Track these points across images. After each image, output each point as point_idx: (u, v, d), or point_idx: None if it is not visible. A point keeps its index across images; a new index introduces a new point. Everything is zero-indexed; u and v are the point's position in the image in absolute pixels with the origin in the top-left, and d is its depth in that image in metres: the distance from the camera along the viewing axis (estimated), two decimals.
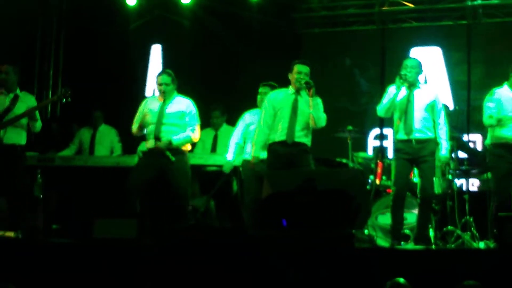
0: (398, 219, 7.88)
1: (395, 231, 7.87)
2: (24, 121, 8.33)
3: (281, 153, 7.94)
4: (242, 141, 8.64)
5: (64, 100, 8.56)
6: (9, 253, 7.03)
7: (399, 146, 7.93)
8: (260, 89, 8.57)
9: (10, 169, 8.19)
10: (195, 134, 8.39)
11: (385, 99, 7.95)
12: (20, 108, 8.31)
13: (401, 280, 5.36)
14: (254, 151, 8.06)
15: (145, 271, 6.53)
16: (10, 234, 8.03)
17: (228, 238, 7.16)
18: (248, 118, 8.68)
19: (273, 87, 8.44)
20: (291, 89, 8.09)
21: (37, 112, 8.44)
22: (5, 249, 7.15)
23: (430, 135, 7.93)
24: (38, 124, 8.43)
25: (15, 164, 8.24)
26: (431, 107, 7.94)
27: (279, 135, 7.98)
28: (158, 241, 7.05)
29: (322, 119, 7.95)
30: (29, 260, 6.91)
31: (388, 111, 7.93)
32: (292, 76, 8.06)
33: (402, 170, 7.92)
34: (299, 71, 8.02)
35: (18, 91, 8.46)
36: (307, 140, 8.01)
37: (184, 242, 6.70)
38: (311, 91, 7.86)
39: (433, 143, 7.96)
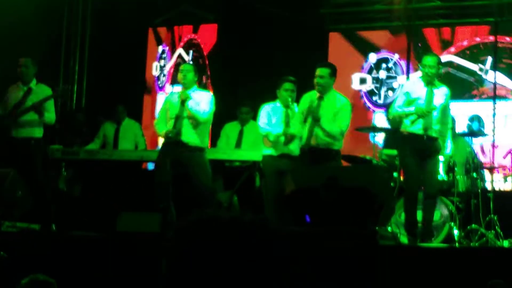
0: (412, 219, 7.85)
1: (411, 230, 7.84)
2: (35, 115, 8.36)
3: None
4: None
5: (59, 99, 8.57)
6: (33, 246, 7.07)
7: (408, 139, 7.89)
8: (287, 85, 8.45)
9: (26, 163, 8.22)
10: (207, 115, 8.30)
11: (400, 103, 7.91)
12: (31, 101, 8.35)
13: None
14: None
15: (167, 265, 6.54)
16: (35, 226, 8.08)
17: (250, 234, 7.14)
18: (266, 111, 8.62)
19: (294, 82, 8.43)
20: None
21: (48, 104, 8.43)
22: (29, 241, 7.19)
23: (437, 135, 7.95)
24: (48, 117, 8.39)
25: (30, 158, 8.26)
26: (444, 108, 7.92)
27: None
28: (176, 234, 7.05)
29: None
30: (52, 253, 6.95)
31: (398, 121, 7.96)
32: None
33: (413, 168, 7.90)
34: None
35: (33, 83, 8.48)
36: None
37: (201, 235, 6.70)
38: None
39: (438, 142, 7.96)
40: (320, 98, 8.02)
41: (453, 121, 9.01)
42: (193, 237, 1.98)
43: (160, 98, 11.93)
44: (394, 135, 8.24)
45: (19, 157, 8.24)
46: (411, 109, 7.84)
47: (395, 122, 8.22)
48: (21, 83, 8.48)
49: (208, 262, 1.95)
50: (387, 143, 9.01)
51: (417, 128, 7.84)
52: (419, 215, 8.09)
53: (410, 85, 8.03)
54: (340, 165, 8.16)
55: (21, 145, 8.27)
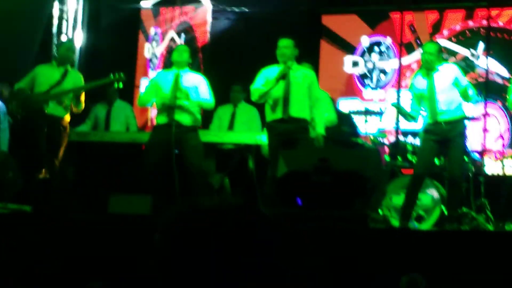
0: (411, 201, 7.86)
1: (406, 212, 7.85)
2: (67, 100, 8.40)
3: (280, 130, 7.99)
4: None
5: (116, 85, 8.62)
6: (23, 227, 7.06)
7: (428, 128, 7.92)
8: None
9: (54, 143, 8.25)
10: (212, 100, 8.37)
11: (413, 105, 7.98)
12: (68, 83, 8.43)
13: (418, 277, 5.33)
14: None
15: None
16: (26, 208, 8.07)
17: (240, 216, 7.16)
18: None
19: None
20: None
21: (82, 93, 8.53)
22: (19, 223, 7.18)
23: (458, 114, 7.90)
24: (81, 105, 8.53)
25: (59, 138, 8.29)
26: (456, 85, 7.88)
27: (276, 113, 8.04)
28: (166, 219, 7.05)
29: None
30: (43, 234, 6.94)
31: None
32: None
33: (427, 153, 7.91)
34: (278, 46, 8.10)
35: (68, 66, 8.57)
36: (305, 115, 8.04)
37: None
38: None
39: (462, 123, 7.93)
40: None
41: None
42: (177, 233, 1.97)
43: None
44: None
45: (50, 135, 8.26)
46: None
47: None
48: (56, 64, 8.57)
49: (195, 256, 1.94)
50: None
51: (428, 116, 7.89)
52: (427, 199, 8.12)
53: (416, 81, 8.01)
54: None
55: (53, 124, 8.31)
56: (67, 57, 8.64)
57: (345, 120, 9.52)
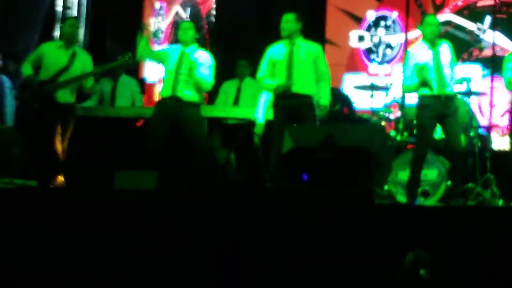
0: (415, 180, 7.84)
1: (412, 191, 7.83)
2: (75, 84, 8.33)
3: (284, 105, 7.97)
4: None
5: (127, 65, 8.59)
6: (30, 203, 7.08)
7: (426, 101, 7.82)
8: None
9: (64, 126, 8.18)
10: (211, 81, 8.34)
11: (410, 74, 7.84)
12: (76, 68, 8.29)
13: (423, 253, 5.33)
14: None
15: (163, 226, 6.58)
16: (32, 183, 8.09)
17: (245, 192, 7.23)
18: None
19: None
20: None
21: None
22: (26, 198, 7.20)
23: (454, 91, 7.92)
24: (90, 83, 8.46)
25: (69, 123, 8.25)
26: (452, 63, 7.90)
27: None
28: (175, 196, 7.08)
29: None
30: (49, 210, 6.96)
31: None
32: None
33: (427, 131, 7.86)
34: (286, 20, 8.06)
35: (76, 48, 8.45)
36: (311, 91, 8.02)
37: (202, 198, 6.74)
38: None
39: (456, 99, 7.95)
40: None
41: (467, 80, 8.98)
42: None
43: None
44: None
45: (60, 121, 8.20)
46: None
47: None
48: (63, 44, 8.39)
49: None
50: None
51: (433, 88, 7.77)
52: (433, 175, 8.11)
53: (415, 53, 7.93)
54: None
55: (65, 113, 8.25)
56: (72, 34, 8.44)
57: (338, 98, 9.48)
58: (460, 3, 10.88)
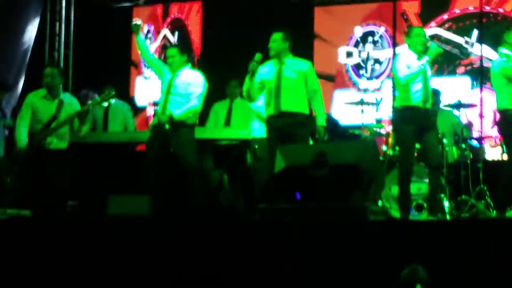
0: (406, 194, 7.76)
1: (404, 205, 7.78)
2: (65, 129, 8.25)
3: (276, 125, 7.94)
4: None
5: (106, 101, 8.58)
6: (24, 231, 7.07)
7: (407, 114, 7.68)
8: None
9: (56, 173, 8.12)
10: (198, 102, 8.27)
11: (405, 69, 7.67)
12: (65, 115, 8.21)
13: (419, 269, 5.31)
14: None
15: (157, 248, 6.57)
16: (25, 213, 8.05)
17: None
18: None
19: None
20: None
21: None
22: (19, 227, 7.19)
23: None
24: (85, 128, 8.41)
25: (60, 167, 8.18)
26: (430, 78, 7.83)
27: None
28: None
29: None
30: (43, 237, 6.95)
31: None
32: None
33: (410, 146, 7.77)
34: (273, 39, 8.04)
35: (61, 95, 8.36)
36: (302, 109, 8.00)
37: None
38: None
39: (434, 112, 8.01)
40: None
41: (438, 93, 9.01)
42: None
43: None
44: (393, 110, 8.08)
45: (50, 167, 8.13)
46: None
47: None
48: (49, 95, 8.28)
49: None
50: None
51: (417, 100, 7.67)
52: (427, 188, 8.05)
53: (407, 57, 7.81)
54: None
55: (53, 156, 8.16)
56: (52, 84, 8.27)
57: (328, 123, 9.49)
58: (445, 16, 10.93)
